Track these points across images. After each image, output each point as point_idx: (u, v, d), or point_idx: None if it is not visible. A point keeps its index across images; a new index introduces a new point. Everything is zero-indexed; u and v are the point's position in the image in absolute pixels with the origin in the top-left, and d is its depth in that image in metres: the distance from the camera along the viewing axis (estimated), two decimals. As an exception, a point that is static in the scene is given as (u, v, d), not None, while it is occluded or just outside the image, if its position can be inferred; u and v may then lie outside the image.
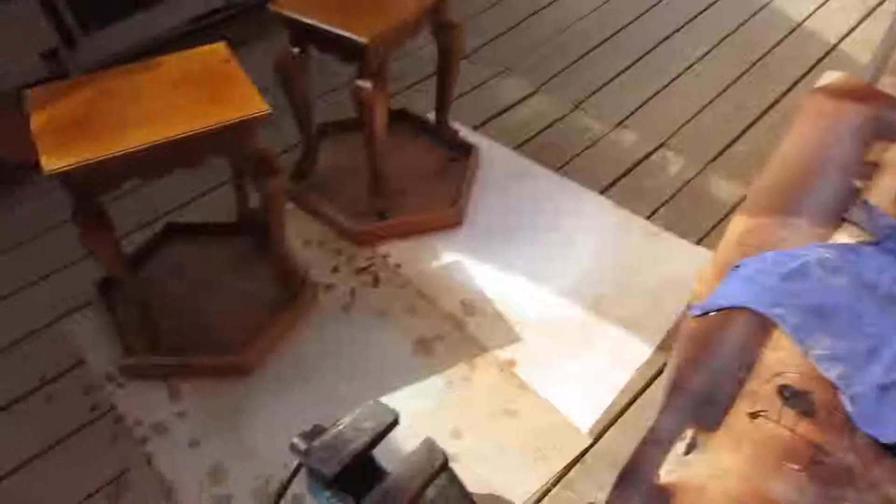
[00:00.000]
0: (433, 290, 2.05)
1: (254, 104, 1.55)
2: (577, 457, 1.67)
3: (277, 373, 1.85)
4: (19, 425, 1.76)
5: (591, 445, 1.69)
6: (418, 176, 2.37)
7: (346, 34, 1.81)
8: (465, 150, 2.44)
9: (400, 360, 1.88)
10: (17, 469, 1.68)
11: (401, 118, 2.52)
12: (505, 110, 2.69)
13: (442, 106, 2.32)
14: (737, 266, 1.11)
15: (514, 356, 1.88)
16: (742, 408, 0.89)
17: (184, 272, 2.06)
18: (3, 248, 2.19)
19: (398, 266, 2.12)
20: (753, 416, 0.88)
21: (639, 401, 1.78)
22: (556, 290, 2.05)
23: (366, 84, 1.89)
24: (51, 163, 1.42)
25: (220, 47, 1.73)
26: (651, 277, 2.06)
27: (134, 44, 2.68)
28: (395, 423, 1.30)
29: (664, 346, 1.88)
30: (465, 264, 2.12)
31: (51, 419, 1.76)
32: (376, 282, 2.08)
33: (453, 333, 1.94)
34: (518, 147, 2.52)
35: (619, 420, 1.74)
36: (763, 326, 1.00)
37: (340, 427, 1.27)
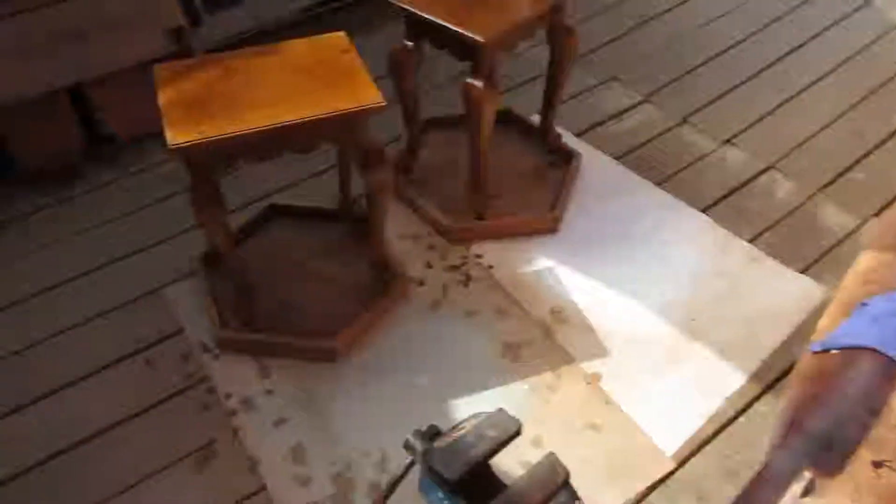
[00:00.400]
0: (524, 295, 2.03)
1: (369, 95, 1.57)
2: (659, 480, 1.63)
3: (364, 362, 1.88)
4: (119, 385, 1.84)
5: (675, 471, 1.65)
6: (517, 178, 2.35)
7: (464, 32, 1.81)
8: (566, 157, 2.41)
9: (485, 362, 1.87)
10: (112, 427, 1.75)
11: (505, 118, 2.51)
12: (609, 119, 2.64)
13: (548, 110, 2.30)
14: (864, 304, 1.06)
15: (600, 370, 1.85)
16: (865, 455, 0.85)
17: (282, 254, 2.11)
18: (117, 215, 2.29)
19: (490, 267, 2.12)
20: (877, 465, 0.83)
21: (726, 431, 1.72)
22: (649, 306, 2.00)
23: (477, 83, 1.89)
24: (175, 138, 1.47)
25: (340, 37, 1.76)
26: (748, 303, 1.99)
27: (254, 26, 2.76)
28: (517, 433, 1.30)
29: (758, 378, 1.81)
30: (557, 271, 2.10)
31: (148, 382, 1.84)
32: (467, 281, 2.08)
33: (541, 340, 1.92)
34: (620, 157, 2.48)
35: (705, 449, 1.69)
36: (890, 371, 0.95)
37: (462, 432, 1.28)
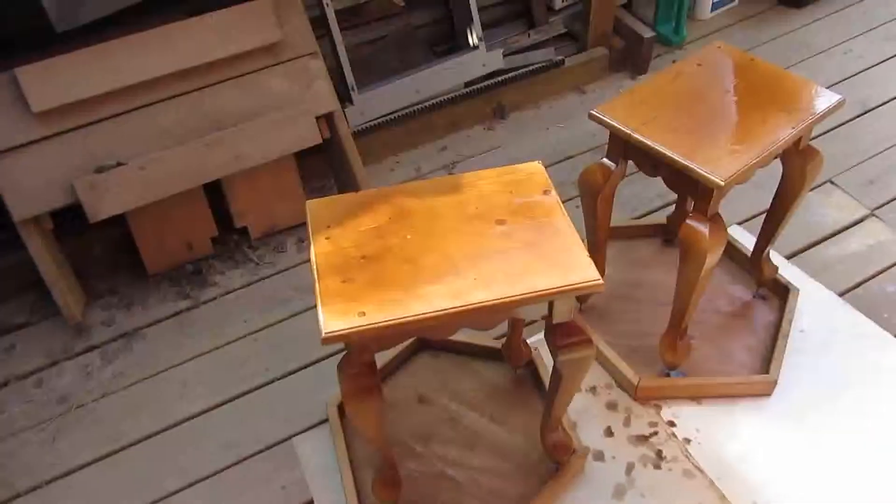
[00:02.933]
0: (731, 487, 1.59)
1: (584, 270, 1.18)
2: None
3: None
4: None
5: None
6: (717, 316, 1.91)
7: (700, 170, 1.40)
8: (779, 291, 1.95)
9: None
10: None
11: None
12: (827, 238, 2.15)
13: (768, 238, 1.84)
14: None
15: None
16: None
17: (432, 404, 1.75)
18: (243, 333, 2.00)
19: (687, 442, 1.68)
20: None
21: None
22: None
23: (702, 228, 1.47)
24: (330, 321, 1.13)
25: (537, 169, 1.38)
26: None
27: (405, 104, 2.44)
28: None
29: None
30: (770, 453, 1.64)
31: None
32: (659, 460, 1.65)
33: (763, 567, 1.47)
34: (845, 293, 1.99)
35: None
36: None
37: None
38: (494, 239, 1.25)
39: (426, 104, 2.47)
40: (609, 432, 1.71)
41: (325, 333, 1.12)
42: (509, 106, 2.62)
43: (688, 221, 1.49)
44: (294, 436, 1.74)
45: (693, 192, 1.47)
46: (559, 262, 1.20)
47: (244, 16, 1.95)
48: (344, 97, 2.31)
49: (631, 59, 2.77)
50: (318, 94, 2.05)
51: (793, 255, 2.10)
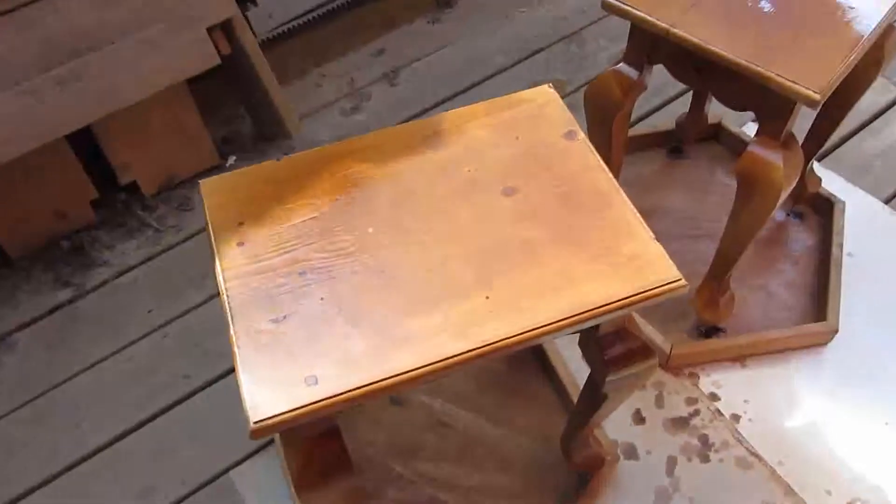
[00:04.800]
0: (797, 471, 1.25)
1: (656, 263, 0.75)
2: None
3: None
4: None
5: None
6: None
7: (781, 78, 0.95)
8: (817, 206, 1.57)
9: None
10: None
11: (713, 136, 1.68)
12: (864, 126, 1.77)
13: (819, 142, 1.43)
14: None
15: None
16: None
17: (407, 400, 1.34)
18: (148, 328, 1.52)
19: (735, 420, 1.33)
20: None
21: None
22: None
23: (773, 156, 1.04)
24: (262, 403, 0.68)
25: (548, 97, 0.92)
26: None
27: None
28: None
29: None
30: (841, 421, 1.31)
31: None
32: (705, 449, 1.30)
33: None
34: (892, 200, 1.63)
35: None
36: None
37: None
38: (505, 222, 0.80)
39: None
40: (639, 418, 1.34)
41: (254, 423, 0.67)
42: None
43: (753, 149, 1.06)
44: (231, 468, 1.31)
45: (761, 107, 1.04)
46: (613, 253, 0.77)
47: None
48: (245, -4, 1.74)
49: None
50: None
51: (822, 155, 1.71)
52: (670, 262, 0.76)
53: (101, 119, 1.50)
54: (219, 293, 0.77)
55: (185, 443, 1.34)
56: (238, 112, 1.85)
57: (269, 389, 0.69)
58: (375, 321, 0.73)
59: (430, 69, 1.96)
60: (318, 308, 0.74)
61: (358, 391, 0.69)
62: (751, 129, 1.74)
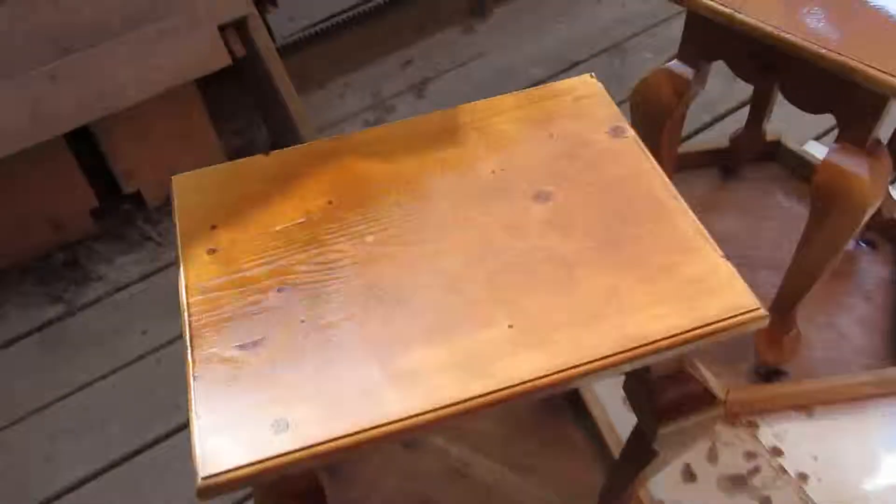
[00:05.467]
0: (886, 555, 1.06)
1: (728, 287, 0.59)
2: None
3: None
4: None
5: None
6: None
7: (874, 69, 0.79)
8: (892, 233, 1.39)
9: None
10: None
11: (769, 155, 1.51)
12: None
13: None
14: None
15: None
16: None
17: (421, 443, 1.18)
18: (142, 352, 1.39)
19: (803, 480, 1.14)
20: None
21: None
22: None
23: (858, 165, 0.88)
24: (212, 454, 0.53)
25: (590, 87, 0.77)
26: None
27: (351, 4, 1.77)
28: None
29: None
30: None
31: None
32: (767, 514, 1.11)
33: None
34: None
35: None
36: None
37: None
38: (536, 233, 0.65)
39: (381, 1, 1.81)
40: (689, 474, 1.16)
41: (203, 479, 0.52)
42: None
43: (833, 157, 0.89)
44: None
45: (843, 107, 0.88)
46: (671, 274, 0.61)
47: None
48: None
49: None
50: (220, -10, 1.38)
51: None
52: (745, 285, 0.60)
53: (102, 122, 1.38)
54: (180, 311, 0.62)
55: (179, 480, 1.19)
56: (254, 121, 1.72)
57: (228, 435, 0.54)
58: (369, 351, 0.58)
59: (460, 81, 1.82)
60: (298, 333, 0.59)
61: (340, 441, 0.53)
62: (813, 147, 1.57)
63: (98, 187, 1.51)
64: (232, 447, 0.53)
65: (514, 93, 0.77)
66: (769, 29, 0.85)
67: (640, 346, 0.57)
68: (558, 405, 1.20)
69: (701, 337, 0.57)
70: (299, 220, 0.67)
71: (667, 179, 0.68)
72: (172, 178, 0.72)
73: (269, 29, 1.56)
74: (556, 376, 0.56)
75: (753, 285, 1.01)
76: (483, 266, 0.63)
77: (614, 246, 0.63)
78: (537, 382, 0.55)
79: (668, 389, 0.68)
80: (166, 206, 1.57)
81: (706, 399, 0.69)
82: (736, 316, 0.58)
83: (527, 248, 0.64)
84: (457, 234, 0.65)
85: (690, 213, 0.65)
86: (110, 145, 1.46)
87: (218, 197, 0.70)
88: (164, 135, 1.50)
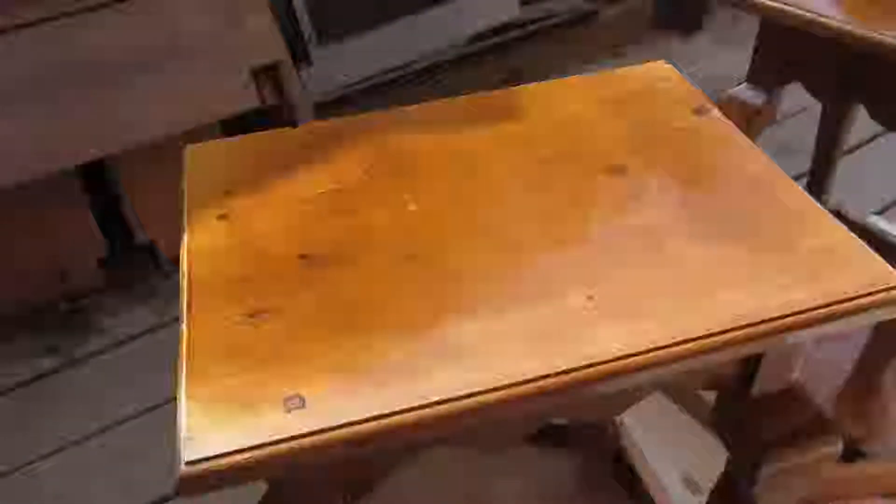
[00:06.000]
0: None
1: (862, 262, 0.47)
2: None
3: None
4: None
5: None
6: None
7: None
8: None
9: None
10: None
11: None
12: None
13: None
14: None
15: None
16: None
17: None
18: (143, 408, 1.26)
19: (897, 579, 0.96)
20: None
21: None
22: None
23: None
24: (201, 435, 0.40)
25: (667, 72, 0.68)
26: None
27: (385, 68, 1.74)
28: None
29: None
30: None
31: None
32: None
33: None
34: None
35: None
36: None
37: None
38: (612, 206, 0.54)
39: (414, 67, 1.78)
40: (762, 568, 0.98)
41: (186, 464, 0.39)
42: (526, 72, 1.93)
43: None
44: None
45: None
46: (785, 246, 0.49)
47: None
48: (300, 55, 1.60)
49: (680, 9, 2.10)
50: (254, 35, 1.34)
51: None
52: (877, 257, 0.48)
53: (120, 161, 1.31)
54: (179, 275, 0.51)
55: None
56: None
57: (224, 412, 0.41)
58: (410, 322, 0.46)
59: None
60: (323, 301, 0.47)
61: (375, 422, 0.40)
62: (877, 221, 1.46)
63: (109, 232, 1.42)
64: (229, 427, 0.40)
65: (579, 76, 0.68)
66: (861, 32, 0.76)
67: (759, 323, 0.44)
68: (598, 470, 1.04)
69: (833, 316, 0.45)
70: (330, 187, 0.57)
71: (769, 158, 0.57)
72: (186, 149, 0.63)
73: (301, 81, 1.52)
74: (649, 354, 0.43)
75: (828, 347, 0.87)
76: (547, 235, 0.51)
77: (712, 217, 0.52)
78: (628, 362, 0.43)
79: (776, 411, 0.55)
80: (181, 260, 1.48)
81: (821, 427, 0.55)
82: (875, 293, 0.46)
83: (602, 220, 0.53)
84: (515, 203, 0.55)
85: (797, 186, 0.54)
86: (127, 187, 1.39)
87: (238, 163, 0.60)
88: (185, 183, 1.42)
